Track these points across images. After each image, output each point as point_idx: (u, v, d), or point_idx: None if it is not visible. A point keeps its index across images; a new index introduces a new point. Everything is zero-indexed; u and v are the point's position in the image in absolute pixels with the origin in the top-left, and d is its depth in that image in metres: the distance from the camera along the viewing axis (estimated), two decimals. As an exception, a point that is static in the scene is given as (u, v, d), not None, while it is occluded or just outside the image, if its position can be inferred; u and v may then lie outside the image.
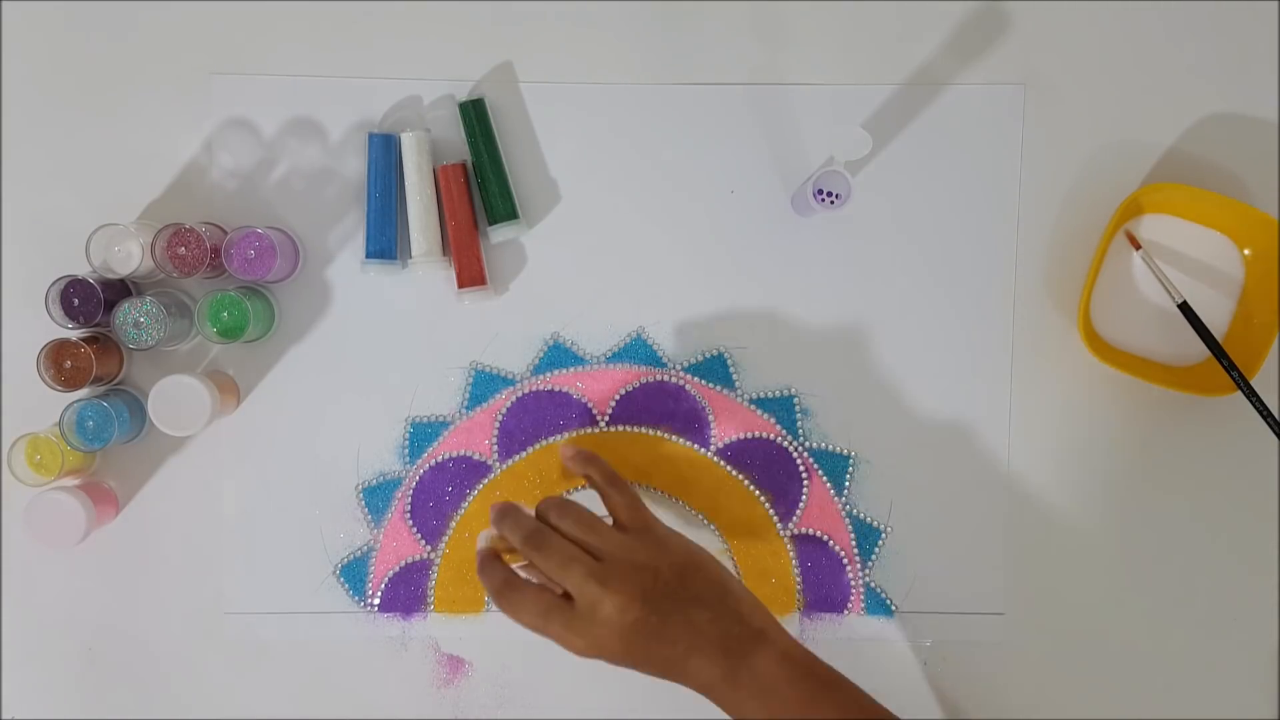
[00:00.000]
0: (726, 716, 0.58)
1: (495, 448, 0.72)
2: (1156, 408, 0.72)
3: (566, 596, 0.58)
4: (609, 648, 0.57)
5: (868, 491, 0.72)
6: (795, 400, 0.72)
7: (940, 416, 0.72)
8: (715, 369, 0.72)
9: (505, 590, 0.59)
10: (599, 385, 0.72)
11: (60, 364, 0.67)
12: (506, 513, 0.61)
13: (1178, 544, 0.72)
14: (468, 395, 0.72)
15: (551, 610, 0.58)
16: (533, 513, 0.61)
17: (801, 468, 0.72)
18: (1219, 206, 0.69)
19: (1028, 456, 0.72)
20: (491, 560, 0.60)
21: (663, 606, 0.58)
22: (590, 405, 0.72)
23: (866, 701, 0.58)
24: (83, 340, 0.67)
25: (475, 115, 0.70)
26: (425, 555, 0.72)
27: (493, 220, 0.70)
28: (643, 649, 0.57)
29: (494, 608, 0.72)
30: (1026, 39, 0.72)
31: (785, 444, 0.72)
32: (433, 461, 0.72)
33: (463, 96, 0.71)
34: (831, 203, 0.65)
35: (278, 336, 0.72)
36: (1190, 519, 0.72)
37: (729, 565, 0.72)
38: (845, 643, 0.72)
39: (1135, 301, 0.71)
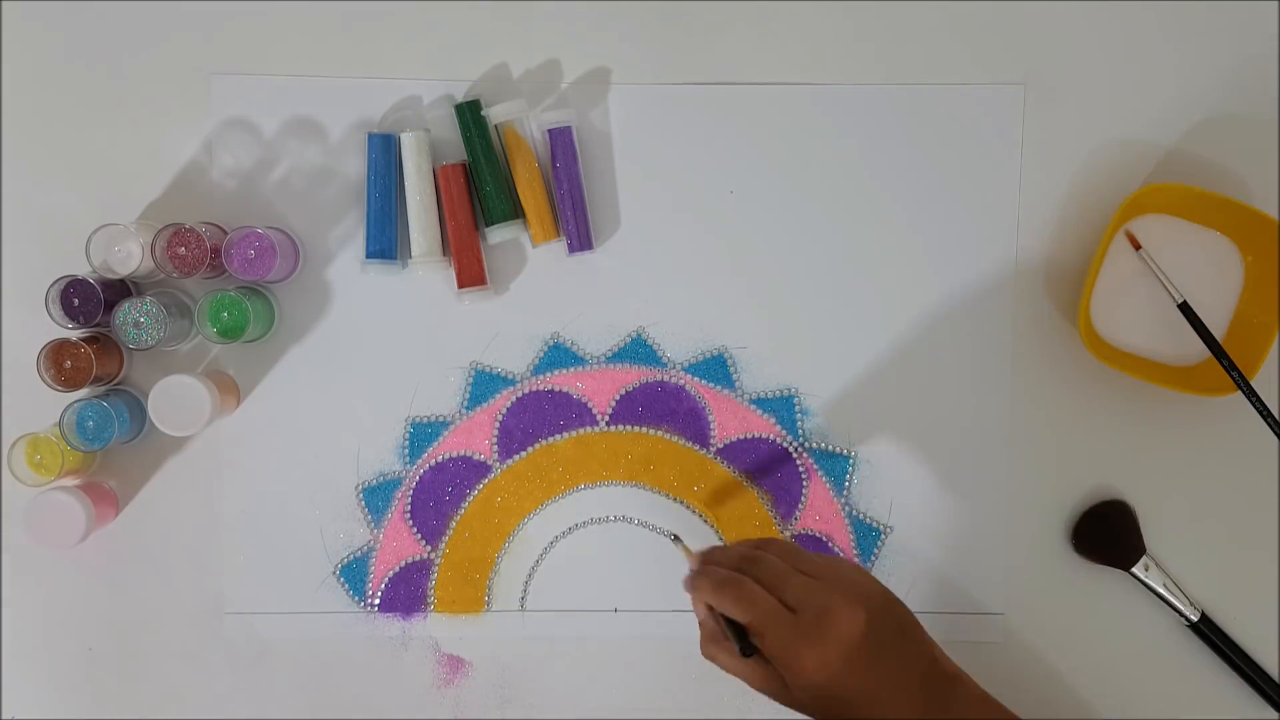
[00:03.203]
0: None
1: (495, 448, 0.72)
2: (1156, 408, 0.72)
3: None
4: (830, 665, 0.54)
5: (868, 491, 0.72)
6: (795, 400, 0.72)
7: (940, 416, 0.72)
8: (715, 369, 0.72)
9: (727, 584, 0.56)
10: (599, 385, 0.72)
11: (60, 364, 0.67)
12: (699, 576, 0.58)
13: (1177, 544, 0.72)
14: (468, 395, 0.72)
15: (776, 613, 0.54)
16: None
17: (801, 468, 0.72)
18: (1219, 206, 0.69)
19: (1028, 456, 0.72)
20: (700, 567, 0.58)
21: (879, 629, 0.55)
22: (590, 405, 0.72)
23: None
24: (83, 340, 0.67)
25: (471, 116, 0.70)
26: (425, 555, 0.72)
27: (490, 221, 0.70)
28: (860, 673, 0.54)
29: (496, 608, 0.72)
30: (1026, 39, 0.72)
31: (785, 444, 0.72)
32: (433, 461, 0.72)
33: (462, 97, 0.71)
34: None
35: (278, 336, 0.72)
36: (1190, 519, 0.72)
37: (729, 565, 0.72)
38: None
39: (1135, 301, 0.71)
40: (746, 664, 0.56)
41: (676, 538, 0.64)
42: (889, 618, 0.56)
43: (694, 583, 0.58)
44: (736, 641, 0.55)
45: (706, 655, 0.58)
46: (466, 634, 0.72)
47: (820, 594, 0.55)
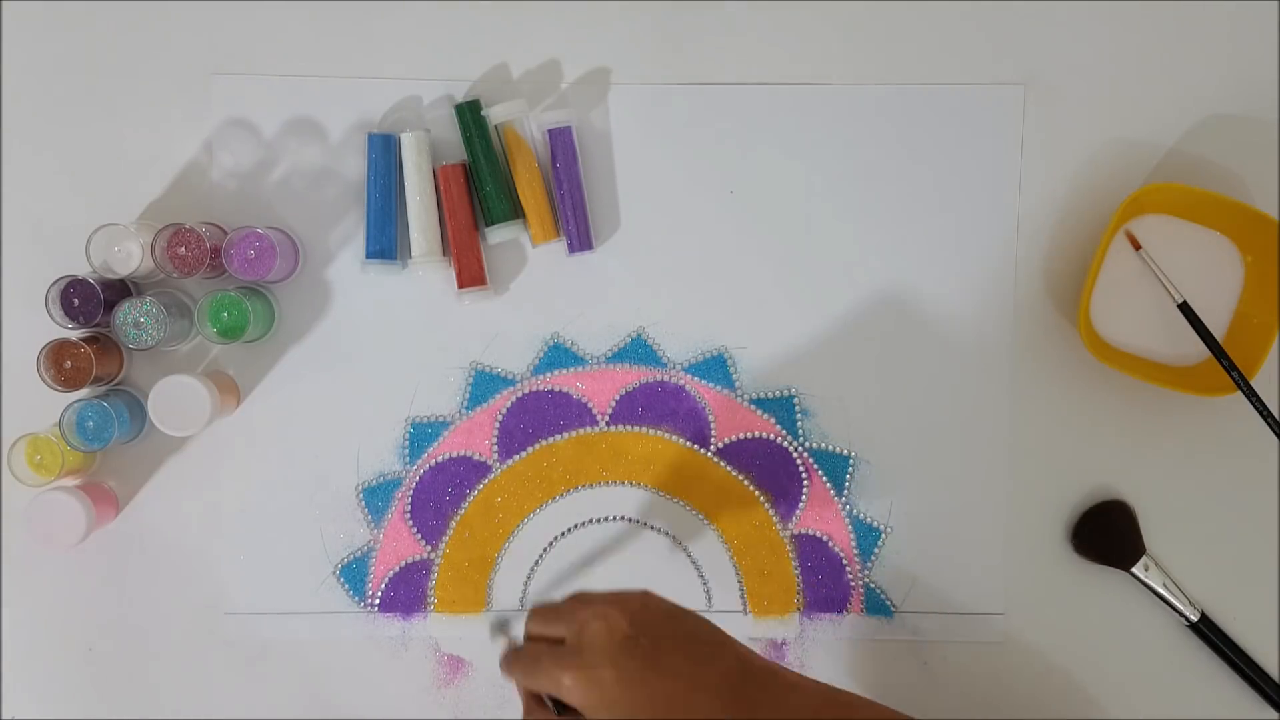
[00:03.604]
0: None
1: (495, 448, 0.72)
2: (1156, 408, 0.72)
3: None
4: (602, 680, 0.51)
5: (868, 491, 0.72)
6: (795, 400, 0.72)
7: (940, 416, 0.72)
8: (715, 369, 0.72)
9: (511, 656, 0.56)
10: (599, 385, 0.72)
11: (60, 364, 0.67)
12: (505, 659, 0.57)
13: (1177, 544, 0.72)
14: (468, 395, 0.72)
15: (541, 653, 0.53)
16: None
17: (801, 468, 0.72)
18: (1219, 206, 0.69)
19: (1028, 456, 0.72)
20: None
21: (654, 632, 0.53)
22: (590, 405, 0.72)
23: (891, 714, 0.56)
24: (83, 340, 0.67)
25: (471, 116, 0.70)
26: (425, 555, 0.72)
27: (490, 221, 0.70)
28: (639, 680, 0.51)
29: (496, 608, 0.72)
30: (1026, 39, 0.72)
31: (785, 444, 0.72)
32: (433, 462, 0.72)
33: (462, 97, 0.71)
34: None
35: (278, 336, 0.72)
36: (1190, 519, 0.72)
37: (729, 565, 0.72)
38: (845, 643, 0.72)
39: (1135, 301, 0.71)
40: None
41: (500, 627, 0.63)
42: (667, 623, 0.54)
43: (501, 670, 0.57)
44: (554, 707, 0.54)
45: None
46: (466, 634, 0.72)
47: (580, 614, 0.53)
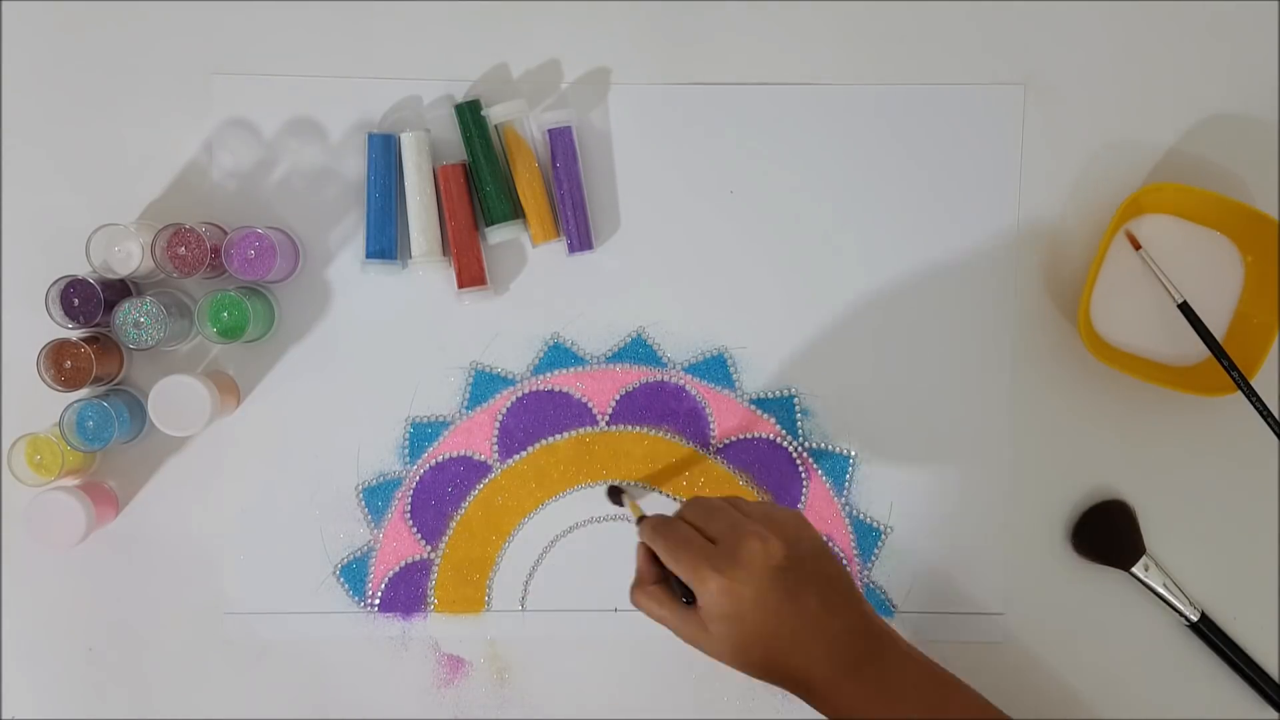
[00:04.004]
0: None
1: (495, 448, 0.72)
2: (1156, 408, 0.72)
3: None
4: (742, 596, 0.54)
5: (868, 491, 0.72)
6: (795, 400, 0.72)
7: (940, 417, 0.72)
8: (715, 369, 0.72)
9: (660, 525, 0.58)
10: (599, 385, 0.72)
11: (60, 364, 0.67)
12: (642, 523, 0.60)
13: (1177, 544, 0.72)
14: (468, 395, 0.72)
15: (694, 541, 0.56)
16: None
17: (801, 468, 0.72)
18: (1219, 206, 0.69)
19: (1028, 456, 0.72)
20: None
21: (801, 569, 0.55)
22: (590, 405, 0.72)
23: (984, 703, 0.57)
24: (83, 340, 0.67)
25: (471, 116, 0.70)
26: (425, 555, 0.72)
27: (490, 221, 0.70)
28: (773, 609, 0.54)
29: (496, 608, 0.72)
30: (1026, 39, 0.72)
31: (785, 444, 0.72)
32: (433, 461, 0.72)
33: (462, 97, 0.71)
34: None
35: (278, 336, 0.72)
36: (1190, 519, 0.72)
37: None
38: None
39: (1135, 301, 0.71)
40: (672, 610, 0.57)
41: (618, 491, 0.64)
42: (814, 562, 0.56)
43: (639, 529, 0.60)
44: (677, 588, 0.57)
45: (634, 601, 0.59)
46: (466, 634, 0.72)
47: (742, 525, 0.56)
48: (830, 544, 0.72)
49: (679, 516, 0.59)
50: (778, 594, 0.54)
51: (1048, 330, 0.72)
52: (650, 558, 0.59)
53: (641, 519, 0.61)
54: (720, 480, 0.72)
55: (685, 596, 0.57)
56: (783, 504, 0.72)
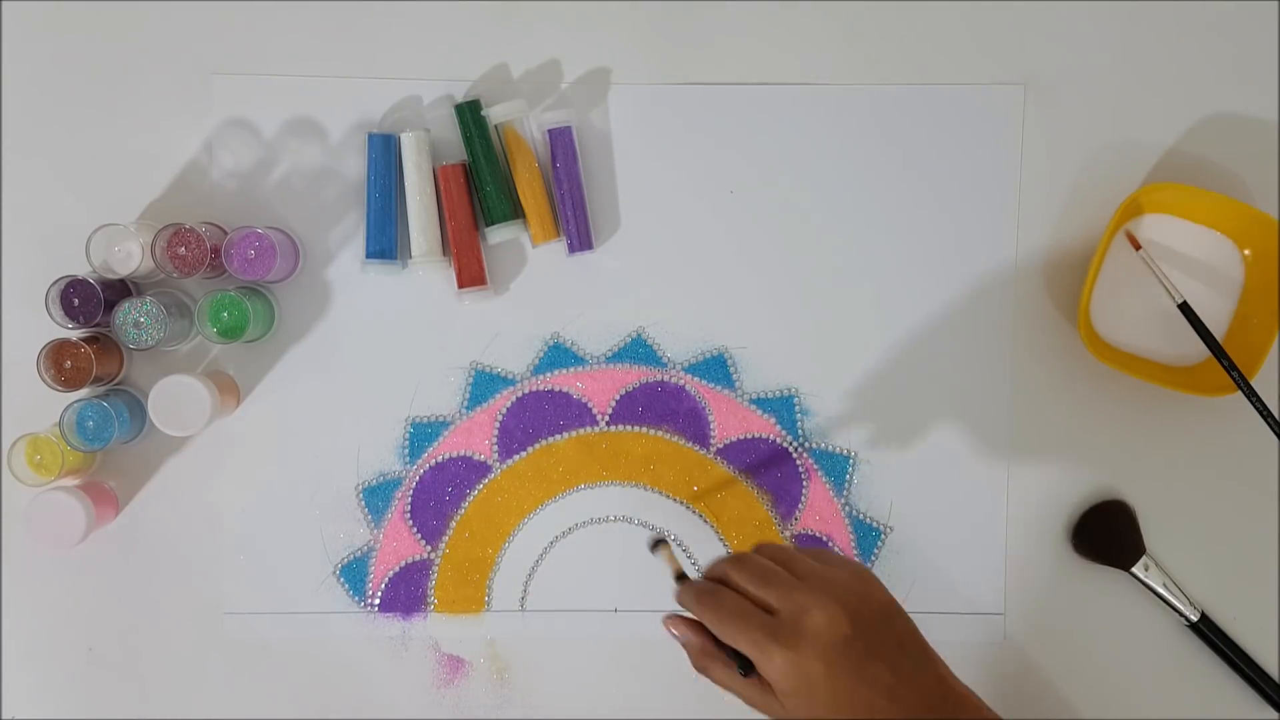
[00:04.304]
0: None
1: (495, 448, 0.72)
2: (1156, 408, 0.72)
3: None
4: (811, 673, 0.51)
5: (868, 491, 0.72)
6: (795, 400, 0.72)
7: (940, 416, 0.72)
8: (715, 369, 0.72)
9: (705, 596, 0.54)
10: (599, 385, 0.72)
11: (60, 364, 0.67)
12: (682, 590, 0.56)
13: (1177, 544, 0.72)
14: (468, 395, 0.72)
15: (751, 615, 0.52)
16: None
17: (801, 468, 0.72)
18: (1219, 206, 0.69)
19: (1028, 456, 0.72)
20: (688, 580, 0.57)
21: (870, 636, 0.52)
22: (590, 405, 0.72)
23: None
24: (83, 340, 0.67)
25: (471, 116, 0.70)
26: (425, 555, 0.72)
27: (490, 221, 0.70)
28: (844, 683, 0.51)
29: (496, 608, 0.72)
30: (1026, 39, 0.72)
31: (785, 444, 0.72)
32: (433, 461, 0.72)
33: (462, 97, 0.71)
34: None
35: (278, 336, 0.72)
36: (1190, 519, 0.72)
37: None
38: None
39: (1135, 301, 0.71)
40: (742, 684, 0.54)
41: (660, 543, 0.61)
42: (883, 626, 0.53)
43: (678, 598, 0.57)
44: (735, 659, 0.54)
45: (699, 669, 0.56)
46: (466, 634, 0.72)
47: (801, 594, 0.52)
48: (831, 543, 0.72)
49: (722, 578, 0.55)
50: (848, 664, 0.51)
51: (1048, 330, 0.72)
52: (693, 624, 0.56)
53: (680, 577, 0.58)
54: (720, 480, 0.72)
55: (741, 666, 0.53)
56: (783, 504, 0.72)
